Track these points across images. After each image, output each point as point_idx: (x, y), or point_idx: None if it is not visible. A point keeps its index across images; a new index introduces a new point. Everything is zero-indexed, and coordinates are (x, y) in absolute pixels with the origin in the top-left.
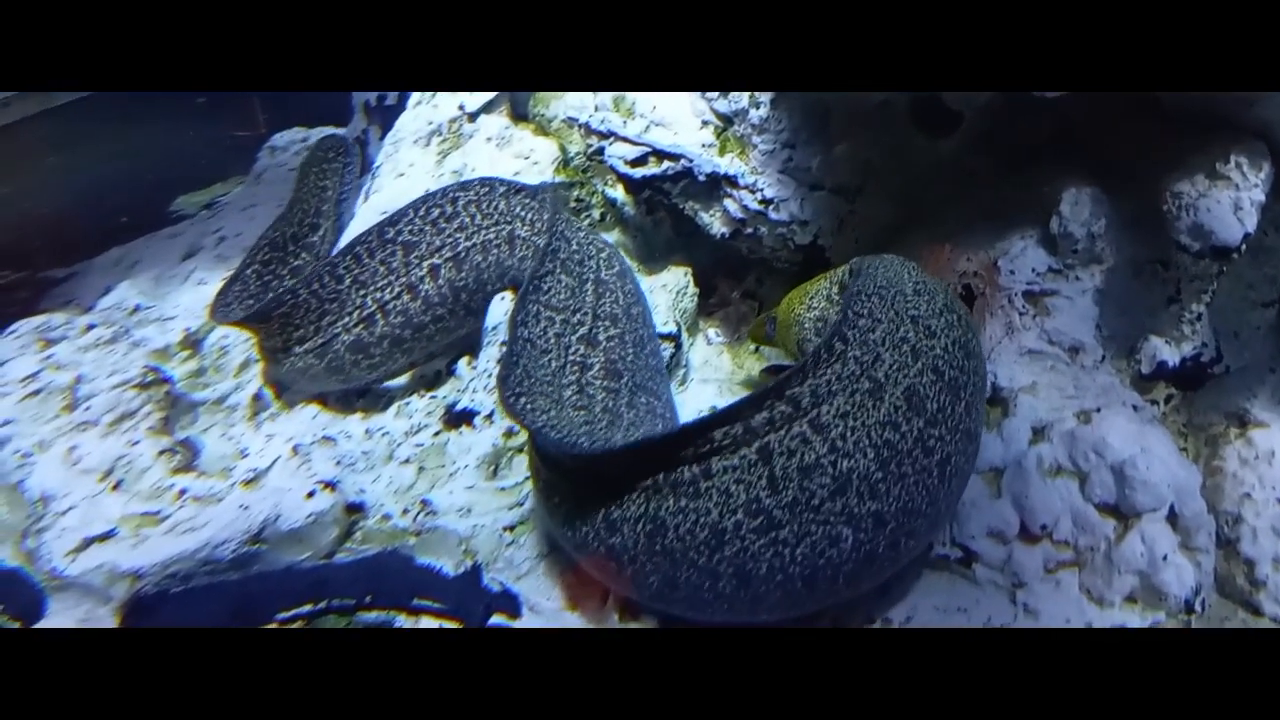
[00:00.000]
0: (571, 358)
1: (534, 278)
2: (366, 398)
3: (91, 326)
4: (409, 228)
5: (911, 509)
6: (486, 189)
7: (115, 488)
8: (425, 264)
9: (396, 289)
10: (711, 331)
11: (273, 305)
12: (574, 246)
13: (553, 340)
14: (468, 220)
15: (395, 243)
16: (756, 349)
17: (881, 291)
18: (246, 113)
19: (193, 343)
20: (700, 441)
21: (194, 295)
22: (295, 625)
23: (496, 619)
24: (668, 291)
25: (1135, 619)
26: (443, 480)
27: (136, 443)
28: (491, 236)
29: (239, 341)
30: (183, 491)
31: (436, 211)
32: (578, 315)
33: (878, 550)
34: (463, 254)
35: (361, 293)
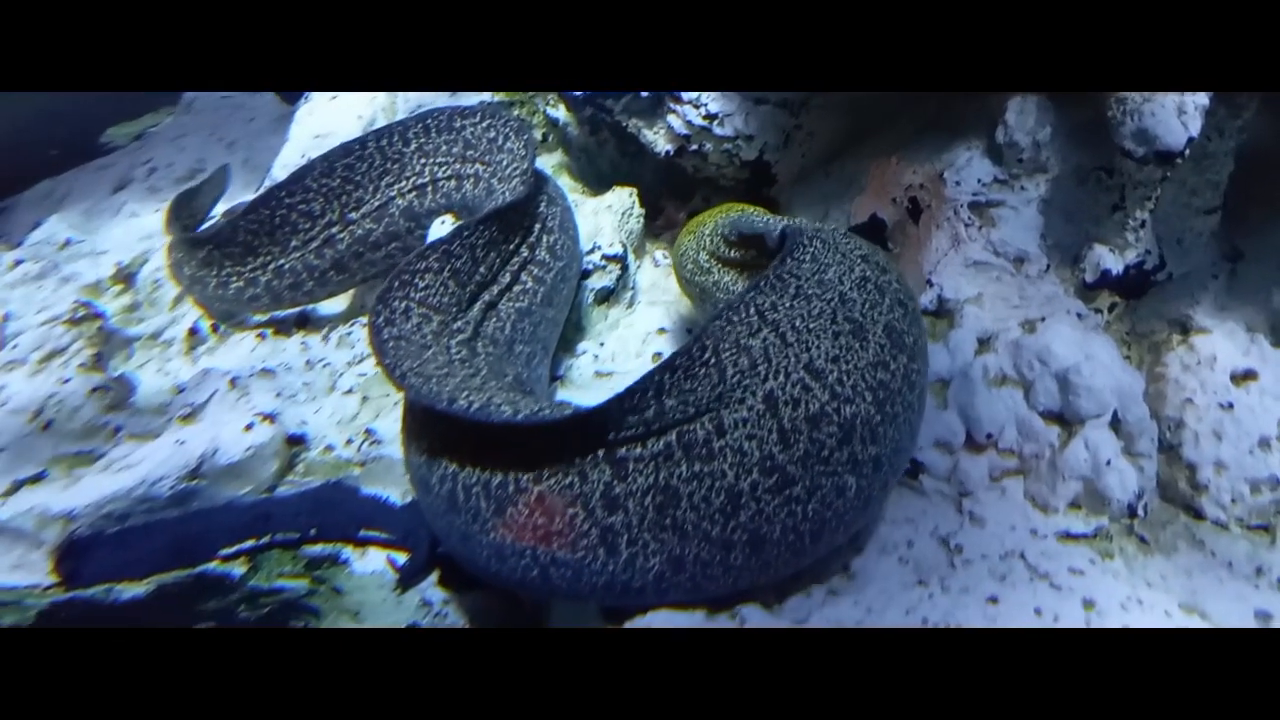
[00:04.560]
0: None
1: (490, 217)
2: (307, 327)
3: (19, 262)
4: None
5: (901, 447)
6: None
7: (46, 428)
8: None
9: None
10: (659, 254)
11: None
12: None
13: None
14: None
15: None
16: None
17: (822, 236)
18: None
19: (125, 276)
20: (700, 370)
21: (125, 228)
22: (239, 560)
23: None
24: (613, 213)
25: (1079, 524)
26: (387, 409)
27: (67, 380)
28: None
29: None
30: (117, 429)
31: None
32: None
33: (873, 494)
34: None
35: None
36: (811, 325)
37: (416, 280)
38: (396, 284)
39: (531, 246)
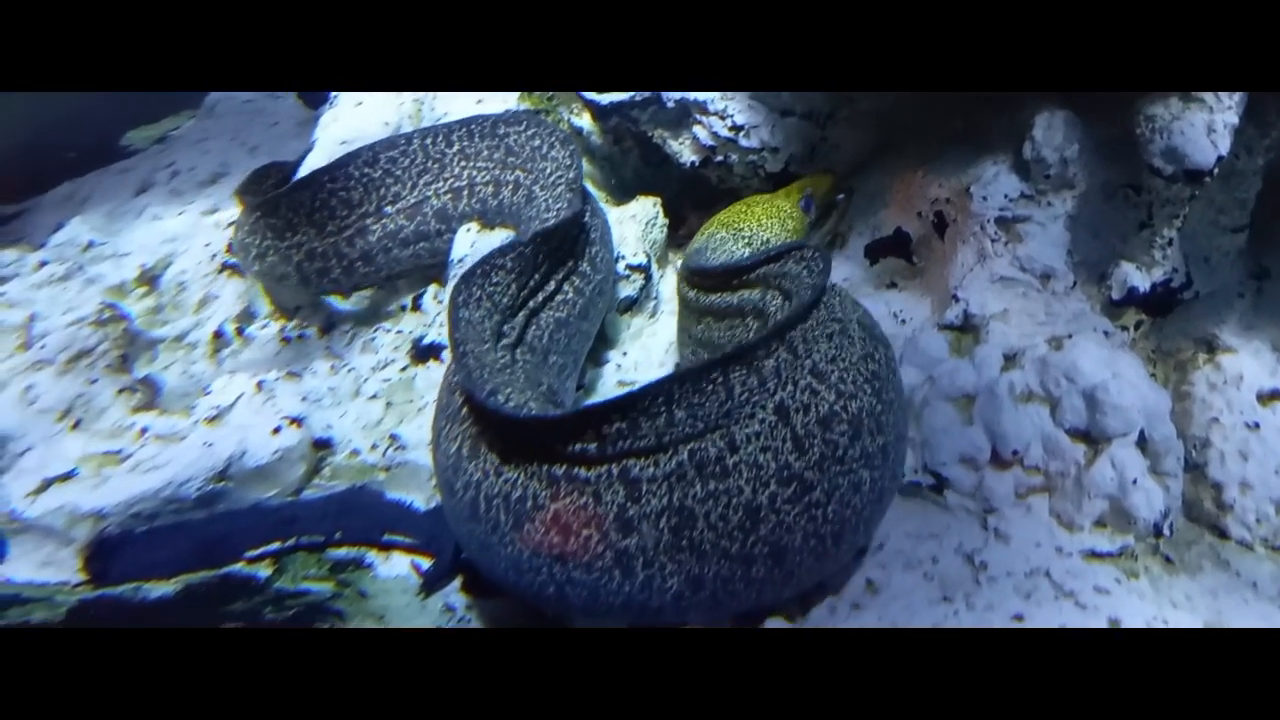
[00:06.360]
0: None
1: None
2: (332, 332)
3: (44, 263)
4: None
5: (901, 433)
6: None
7: (74, 427)
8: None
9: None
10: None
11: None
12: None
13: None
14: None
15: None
16: None
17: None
18: None
19: (149, 279)
20: (717, 388)
21: (148, 231)
22: (265, 563)
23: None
24: (637, 222)
25: (1105, 543)
26: (411, 415)
27: (95, 381)
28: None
29: (197, 277)
30: (144, 430)
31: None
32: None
33: (886, 484)
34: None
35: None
36: (815, 332)
37: (493, 275)
38: (479, 271)
39: (576, 257)
